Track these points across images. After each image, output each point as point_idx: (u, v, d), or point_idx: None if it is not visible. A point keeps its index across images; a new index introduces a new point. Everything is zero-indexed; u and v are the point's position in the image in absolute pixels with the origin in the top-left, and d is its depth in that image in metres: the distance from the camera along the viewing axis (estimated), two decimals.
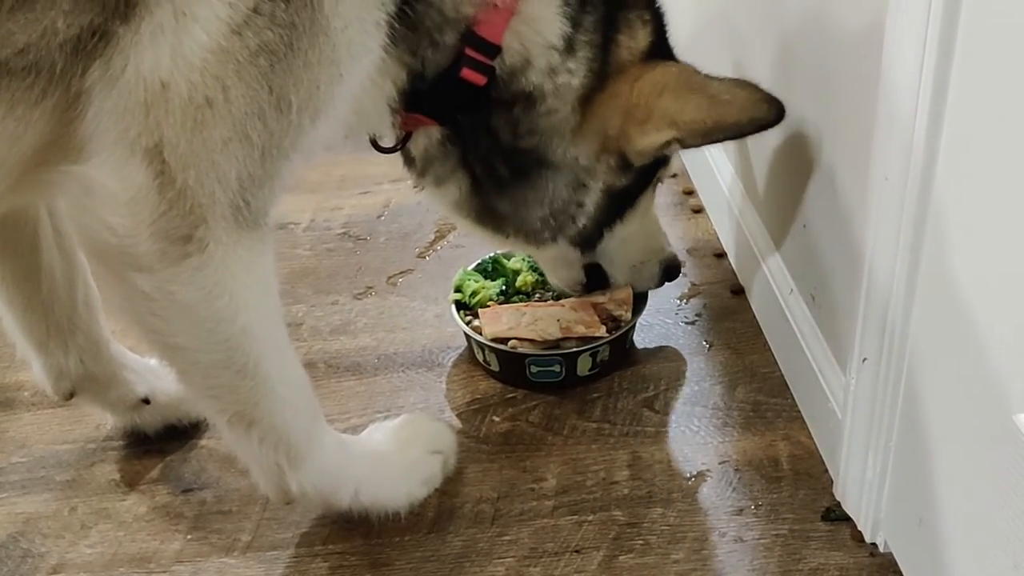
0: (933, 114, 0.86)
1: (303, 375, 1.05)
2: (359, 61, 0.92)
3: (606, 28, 1.08)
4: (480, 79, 1.01)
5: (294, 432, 1.03)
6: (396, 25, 0.94)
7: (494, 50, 1.00)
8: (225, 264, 0.90)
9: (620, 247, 1.29)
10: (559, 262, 1.30)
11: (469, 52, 1.00)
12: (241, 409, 1.00)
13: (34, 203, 1.11)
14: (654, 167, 1.19)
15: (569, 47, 1.05)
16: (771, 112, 1.09)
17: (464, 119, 1.07)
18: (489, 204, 1.15)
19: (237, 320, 0.94)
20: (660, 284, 1.34)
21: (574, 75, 1.06)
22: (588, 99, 1.09)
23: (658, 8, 1.13)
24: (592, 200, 1.16)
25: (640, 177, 1.18)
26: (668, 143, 1.11)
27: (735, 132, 1.13)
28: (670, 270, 1.33)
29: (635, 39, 1.09)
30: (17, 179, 0.88)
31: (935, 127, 0.87)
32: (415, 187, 1.18)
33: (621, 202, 1.19)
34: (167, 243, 0.87)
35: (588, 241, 1.22)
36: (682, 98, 1.08)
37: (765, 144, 1.36)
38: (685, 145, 1.13)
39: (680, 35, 1.19)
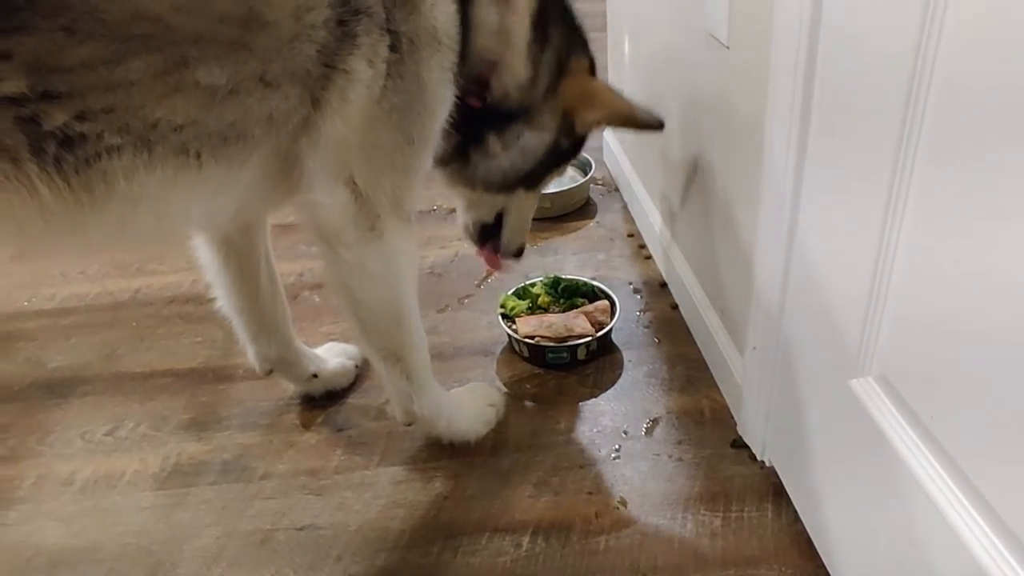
0: (795, 186, 0.85)
1: (425, 336, 1.05)
2: (444, 106, 0.91)
3: (559, 64, 1.02)
4: (478, 103, 0.97)
5: (421, 371, 1.05)
6: (457, 77, 0.91)
7: (486, 86, 0.97)
8: (393, 246, 0.92)
9: (520, 208, 1.18)
10: (483, 203, 1.17)
11: (471, 87, 0.95)
12: (394, 349, 1.02)
13: (255, 243, 1.12)
14: (574, 148, 1.10)
15: (533, 80, 0.99)
16: (656, 123, 1.09)
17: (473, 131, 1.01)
18: (471, 173, 1.06)
19: (399, 284, 0.96)
20: (518, 256, 1.23)
21: (537, 88, 1.01)
22: (553, 91, 1.02)
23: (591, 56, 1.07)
24: (542, 152, 1.06)
25: (571, 147, 1.09)
26: (599, 121, 1.07)
27: (635, 127, 1.10)
28: (520, 250, 1.23)
29: (580, 63, 1.04)
30: (236, 209, 0.88)
31: (795, 200, 0.85)
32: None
33: (554, 159, 1.09)
34: (361, 231, 0.90)
35: (534, 181, 1.12)
36: (617, 98, 1.07)
37: (688, 211, 1.33)
38: (606, 125, 1.09)
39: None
